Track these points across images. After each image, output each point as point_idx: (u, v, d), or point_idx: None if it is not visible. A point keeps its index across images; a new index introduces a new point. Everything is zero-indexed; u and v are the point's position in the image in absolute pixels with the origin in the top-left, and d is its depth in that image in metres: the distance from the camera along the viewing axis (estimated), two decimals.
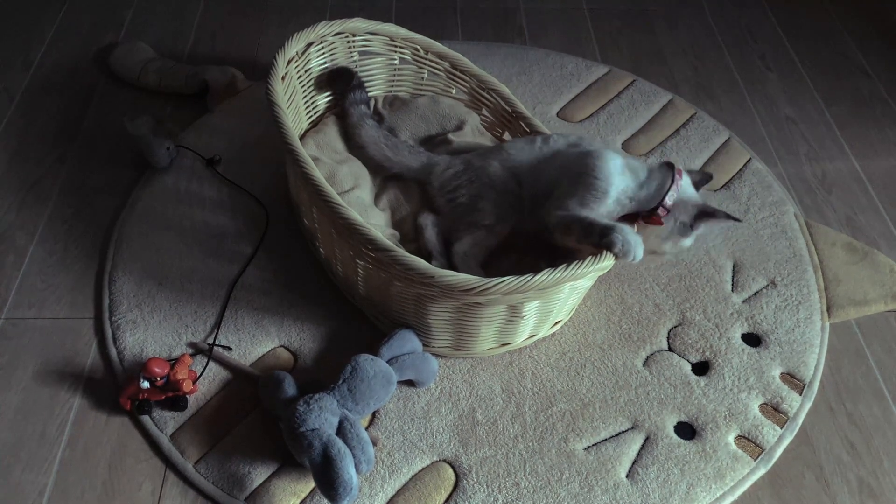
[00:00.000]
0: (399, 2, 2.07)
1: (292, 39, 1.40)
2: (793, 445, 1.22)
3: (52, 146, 1.63)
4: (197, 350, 1.28)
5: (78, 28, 1.94)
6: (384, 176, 1.46)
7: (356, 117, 1.46)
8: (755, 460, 1.19)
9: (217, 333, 1.30)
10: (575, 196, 1.21)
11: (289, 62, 1.40)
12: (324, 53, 1.50)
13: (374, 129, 1.45)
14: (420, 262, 1.10)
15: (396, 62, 1.58)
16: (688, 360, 1.31)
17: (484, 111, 1.55)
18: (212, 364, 1.26)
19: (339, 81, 1.49)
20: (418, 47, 1.54)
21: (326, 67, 1.51)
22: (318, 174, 1.20)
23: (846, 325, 1.39)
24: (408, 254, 1.10)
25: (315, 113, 1.56)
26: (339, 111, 1.50)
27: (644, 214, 1.20)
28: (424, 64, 1.56)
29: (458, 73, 1.54)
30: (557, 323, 1.32)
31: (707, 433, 1.21)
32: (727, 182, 1.62)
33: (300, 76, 1.46)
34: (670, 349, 1.33)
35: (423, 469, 1.16)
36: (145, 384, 1.18)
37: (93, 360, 1.28)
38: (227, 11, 2.02)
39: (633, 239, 1.13)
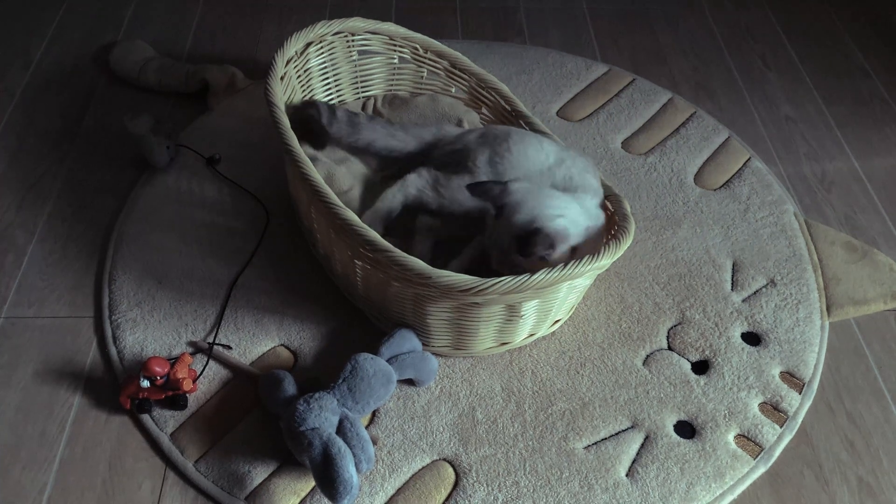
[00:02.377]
0: (399, 1, 2.07)
1: (291, 39, 1.40)
2: (792, 444, 1.22)
3: (52, 145, 1.63)
4: (197, 349, 1.28)
5: (78, 27, 1.94)
6: (388, 172, 1.45)
7: (345, 131, 1.42)
8: (755, 459, 1.19)
9: (217, 332, 1.30)
10: None
11: (288, 62, 1.40)
12: (323, 53, 1.50)
13: (379, 125, 1.43)
14: (417, 263, 1.09)
15: (396, 61, 1.58)
16: (687, 359, 1.31)
17: (483, 110, 1.55)
18: (212, 363, 1.27)
19: (314, 117, 1.42)
20: (418, 46, 1.54)
21: (326, 67, 1.52)
22: (317, 174, 1.20)
23: (846, 324, 1.39)
24: (405, 254, 1.10)
25: None
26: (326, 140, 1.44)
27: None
28: (424, 63, 1.56)
29: (457, 72, 1.54)
30: (557, 322, 1.33)
31: (707, 432, 1.21)
32: (727, 181, 1.62)
33: (299, 76, 1.47)
34: (670, 348, 1.33)
35: (424, 468, 1.16)
36: (145, 383, 1.17)
37: (93, 359, 1.28)
38: (227, 10, 2.02)
39: None
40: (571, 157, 1.30)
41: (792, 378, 1.29)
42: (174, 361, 1.20)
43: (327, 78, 1.55)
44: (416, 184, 1.33)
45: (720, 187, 1.61)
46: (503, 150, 1.30)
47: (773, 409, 1.25)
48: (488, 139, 1.34)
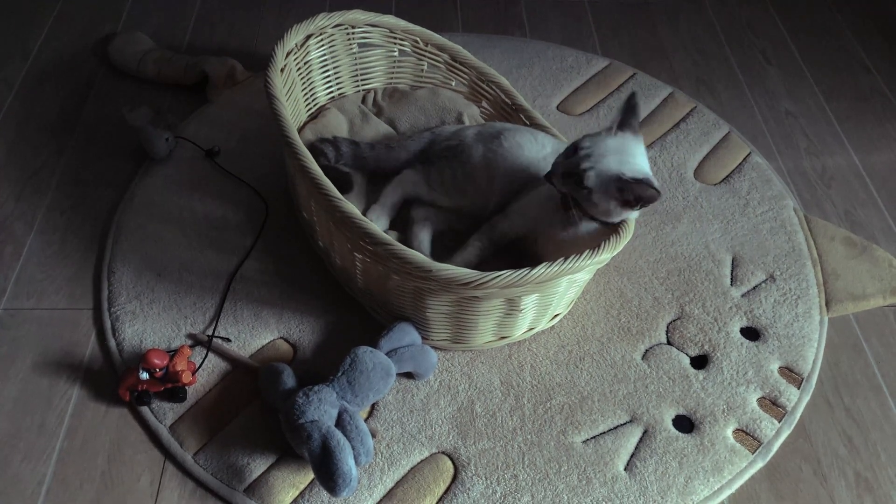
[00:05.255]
0: None
1: (291, 31, 1.40)
2: (790, 439, 1.22)
3: (51, 137, 1.63)
4: (196, 341, 1.28)
5: (77, 18, 1.94)
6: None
7: (352, 163, 1.44)
8: (753, 454, 1.19)
9: (216, 325, 1.30)
10: None
11: (288, 54, 1.39)
12: (323, 45, 1.50)
13: (380, 149, 1.44)
14: (417, 256, 1.09)
15: (396, 54, 1.57)
16: (686, 354, 1.31)
17: (484, 103, 1.55)
18: (211, 355, 1.26)
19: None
20: (418, 39, 1.53)
21: (326, 59, 1.51)
22: (316, 167, 1.20)
23: (844, 320, 1.40)
24: (405, 247, 1.10)
25: (314, 104, 1.56)
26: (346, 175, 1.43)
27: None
28: (424, 56, 1.56)
29: (457, 65, 1.53)
30: (556, 316, 1.33)
31: (705, 426, 1.21)
32: (727, 176, 1.62)
33: (299, 68, 1.46)
34: (669, 343, 1.33)
35: (422, 461, 1.17)
36: (144, 375, 1.17)
37: (92, 351, 1.28)
38: (227, 2, 2.01)
39: None
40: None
41: (790, 373, 1.29)
42: (173, 354, 1.20)
43: (327, 70, 1.54)
44: (411, 178, 1.38)
45: (720, 182, 1.61)
46: (495, 146, 1.33)
47: (772, 404, 1.25)
48: (483, 135, 1.37)
